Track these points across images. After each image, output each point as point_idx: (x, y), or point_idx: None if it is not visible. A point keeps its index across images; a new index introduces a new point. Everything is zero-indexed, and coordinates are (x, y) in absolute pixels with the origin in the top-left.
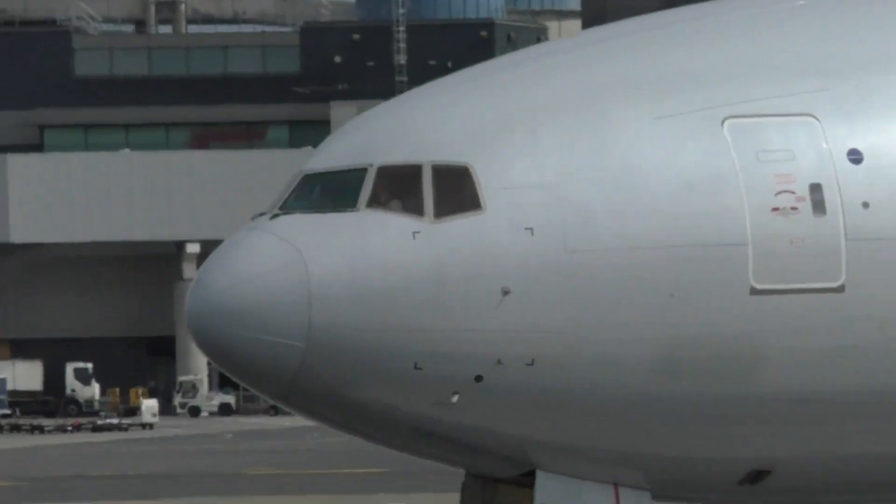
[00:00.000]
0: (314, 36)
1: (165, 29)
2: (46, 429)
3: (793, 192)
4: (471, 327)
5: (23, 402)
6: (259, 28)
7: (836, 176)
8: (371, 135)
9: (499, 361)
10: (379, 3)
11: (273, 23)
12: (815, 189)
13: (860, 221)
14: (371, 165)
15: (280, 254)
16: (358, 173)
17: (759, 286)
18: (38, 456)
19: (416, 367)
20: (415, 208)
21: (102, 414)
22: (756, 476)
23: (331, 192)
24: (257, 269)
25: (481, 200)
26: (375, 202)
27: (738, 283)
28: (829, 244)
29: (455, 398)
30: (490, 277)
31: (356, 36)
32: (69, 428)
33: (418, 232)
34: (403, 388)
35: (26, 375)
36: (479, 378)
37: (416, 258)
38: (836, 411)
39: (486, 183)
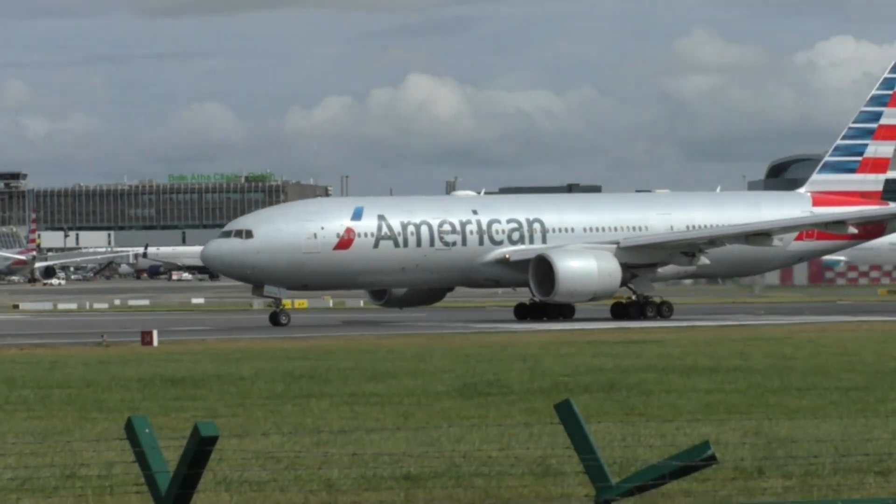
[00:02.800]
0: None
1: None
2: None
3: (314, 234)
4: (251, 263)
5: None
6: None
7: (326, 230)
8: (235, 223)
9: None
10: None
11: None
12: (319, 233)
13: (319, 238)
14: (233, 230)
15: (218, 245)
16: (233, 231)
17: (304, 251)
18: None
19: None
20: (241, 237)
21: None
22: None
23: (227, 234)
24: (216, 246)
25: (254, 235)
26: (234, 236)
27: (301, 250)
28: (325, 244)
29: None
30: (259, 252)
31: None
32: None
33: (244, 241)
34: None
35: None
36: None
37: (243, 249)
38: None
39: (256, 232)
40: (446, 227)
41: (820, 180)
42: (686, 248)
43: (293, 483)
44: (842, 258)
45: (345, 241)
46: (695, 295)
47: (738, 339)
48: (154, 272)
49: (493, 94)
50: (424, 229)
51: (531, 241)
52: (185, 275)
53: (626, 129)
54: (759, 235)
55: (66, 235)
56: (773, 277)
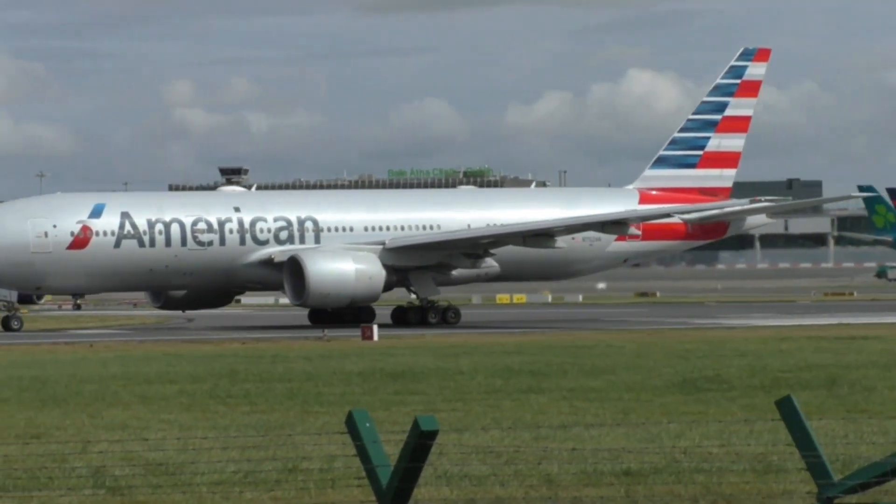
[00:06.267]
0: None
1: None
2: None
3: (45, 232)
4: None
5: None
6: None
7: (59, 228)
8: None
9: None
10: None
11: None
12: (50, 231)
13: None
14: None
15: None
16: None
17: (32, 251)
18: None
19: None
20: None
21: None
22: None
23: None
24: None
25: None
26: None
27: (29, 249)
28: (57, 243)
29: None
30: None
31: None
32: None
33: None
34: None
35: None
36: None
37: None
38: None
39: None
40: (201, 226)
41: (652, 176)
42: (468, 249)
43: (513, 478)
44: None
45: (80, 240)
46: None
47: None
48: None
49: None
50: (175, 228)
51: (302, 241)
52: None
53: (848, 123)
54: (539, 236)
55: None
56: None
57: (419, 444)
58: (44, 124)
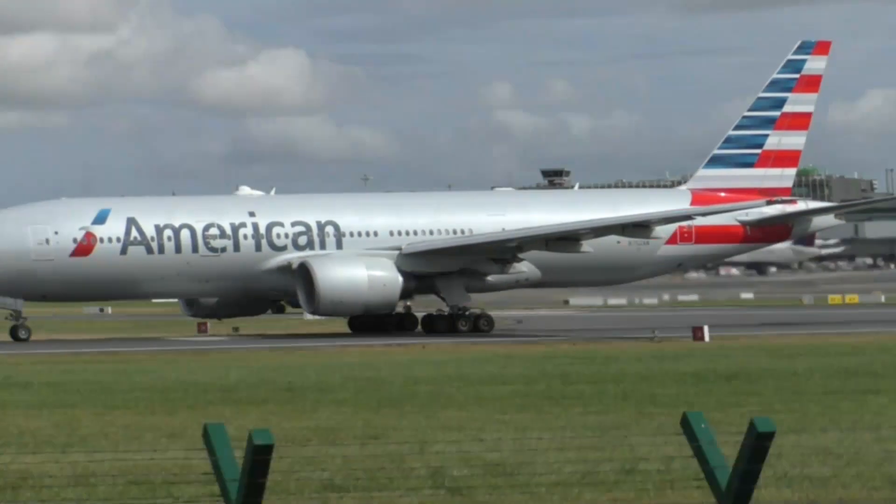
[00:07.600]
0: None
1: None
2: None
3: (46, 239)
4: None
5: None
6: None
7: (61, 235)
8: None
9: None
10: None
11: None
12: (52, 238)
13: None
14: None
15: None
16: None
17: (34, 258)
18: None
19: None
20: None
21: None
22: None
23: None
24: None
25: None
26: None
27: (31, 257)
28: (59, 250)
29: None
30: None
31: None
32: None
33: None
34: None
35: None
36: None
37: None
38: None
39: None
40: (213, 232)
41: (706, 176)
42: (493, 254)
43: (855, 479)
44: None
45: (84, 247)
46: None
47: None
48: None
49: None
50: (185, 234)
51: (323, 247)
52: (733, 270)
53: None
54: (562, 240)
55: None
56: None
57: (756, 445)
58: (366, 128)
